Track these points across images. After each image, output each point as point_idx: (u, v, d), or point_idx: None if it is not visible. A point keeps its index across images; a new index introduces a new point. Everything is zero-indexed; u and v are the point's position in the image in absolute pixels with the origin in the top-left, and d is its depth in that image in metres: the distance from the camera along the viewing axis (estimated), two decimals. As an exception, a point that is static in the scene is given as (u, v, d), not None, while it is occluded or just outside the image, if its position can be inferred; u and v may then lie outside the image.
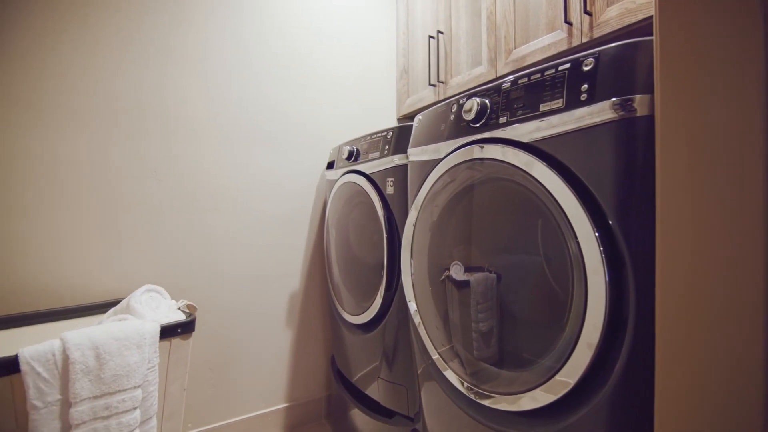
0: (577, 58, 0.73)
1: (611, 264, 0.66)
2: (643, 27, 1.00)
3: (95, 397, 0.89)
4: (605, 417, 0.67)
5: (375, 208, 1.34)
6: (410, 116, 1.96)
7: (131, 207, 1.41)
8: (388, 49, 2.02)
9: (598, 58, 0.70)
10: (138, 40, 1.41)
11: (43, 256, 1.26)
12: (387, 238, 1.29)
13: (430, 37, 1.70)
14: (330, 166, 1.72)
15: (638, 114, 0.64)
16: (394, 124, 2.02)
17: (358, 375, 1.50)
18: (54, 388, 0.86)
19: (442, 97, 1.67)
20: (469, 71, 1.53)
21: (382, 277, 1.31)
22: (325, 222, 1.70)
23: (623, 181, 0.65)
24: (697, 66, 0.54)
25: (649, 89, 0.64)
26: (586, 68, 0.71)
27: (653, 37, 0.60)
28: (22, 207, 1.24)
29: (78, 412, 0.87)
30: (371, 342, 1.39)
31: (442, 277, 1.03)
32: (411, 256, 1.11)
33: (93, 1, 1.33)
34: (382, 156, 1.34)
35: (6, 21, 1.21)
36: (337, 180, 1.60)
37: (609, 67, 0.68)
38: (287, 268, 1.74)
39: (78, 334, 0.90)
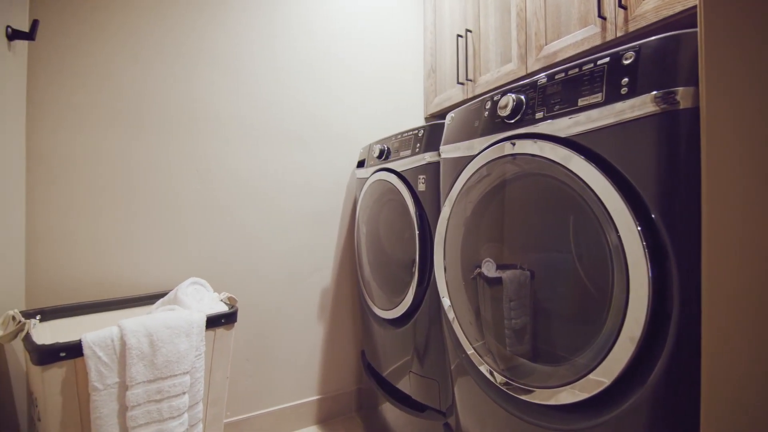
0: (617, 52, 0.74)
1: (653, 257, 0.66)
2: (681, 19, 0.98)
3: (149, 381, 0.95)
4: (647, 412, 0.67)
5: (406, 205, 1.36)
6: (438, 115, 1.97)
7: (176, 206, 1.48)
8: (415, 48, 2.04)
9: (638, 51, 0.70)
10: (171, 41, 1.48)
11: (101, 251, 1.36)
12: (419, 234, 1.31)
13: (459, 35, 1.71)
14: (360, 164, 1.75)
15: (681, 106, 0.64)
16: (421, 123, 2.04)
17: (389, 369, 1.52)
18: (113, 371, 0.92)
19: (470, 96, 1.68)
20: (498, 69, 1.54)
21: (413, 273, 1.33)
22: (356, 219, 1.74)
23: (666, 173, 0.65)
24: (744, 57, 0.54)
25: (692, 82, 0.64)
26: (626, 62, 0.71)
27: (697, 29, 0.60)
28: (85, 207, 1.33)
29: (134, 394, 0.93)
30: (402, 336, 1.41)
31: (473, 275, 1.04)
32: (444, 252, 1.13)
33: (131, 2, 1.41)
34: (413, 154, 1.36)
35: (57, 28, 1.30)
36: (367, 178, 1.63)
37: (650, 60, 0.68)
38: (319, 265, 1.79)
39: (134, 322, 0.96)
